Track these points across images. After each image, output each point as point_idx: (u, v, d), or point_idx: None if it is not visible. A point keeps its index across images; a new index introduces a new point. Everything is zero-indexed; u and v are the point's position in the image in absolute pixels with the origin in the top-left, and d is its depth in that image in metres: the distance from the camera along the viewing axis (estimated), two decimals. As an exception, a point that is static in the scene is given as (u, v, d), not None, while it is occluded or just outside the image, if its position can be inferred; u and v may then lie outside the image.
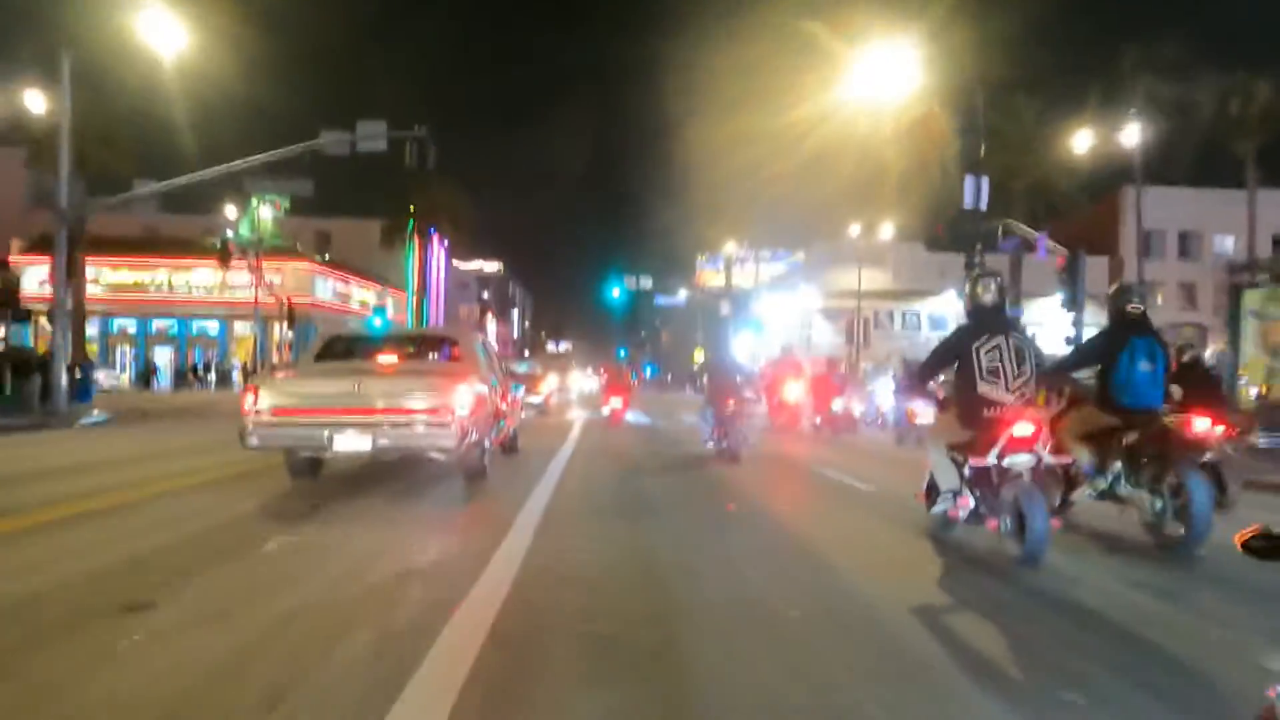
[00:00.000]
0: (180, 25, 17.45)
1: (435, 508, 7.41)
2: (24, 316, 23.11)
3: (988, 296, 5.81)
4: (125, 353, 45.30)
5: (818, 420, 18.36)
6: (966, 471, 5.62)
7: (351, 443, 7.36)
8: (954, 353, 5.77)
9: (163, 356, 45.30)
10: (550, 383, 26.25)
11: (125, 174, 28.07)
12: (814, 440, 16.47)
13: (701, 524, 7.05)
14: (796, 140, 33.94)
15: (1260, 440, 12.57)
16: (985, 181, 18.64)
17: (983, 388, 5.53)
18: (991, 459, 5.37)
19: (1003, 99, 30.48)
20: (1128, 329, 6.27)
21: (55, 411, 17.08)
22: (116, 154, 28.14)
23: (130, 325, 45.23)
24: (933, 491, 5.98)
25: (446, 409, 7.46)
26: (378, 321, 30.70)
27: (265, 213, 37.24)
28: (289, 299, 34.10)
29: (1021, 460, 5.34)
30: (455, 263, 69.56)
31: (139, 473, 9.25)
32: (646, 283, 52.42)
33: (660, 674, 3.32)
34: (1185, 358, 7.80)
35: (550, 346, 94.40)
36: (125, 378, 42.39)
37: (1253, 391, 16.64)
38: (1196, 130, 33.28)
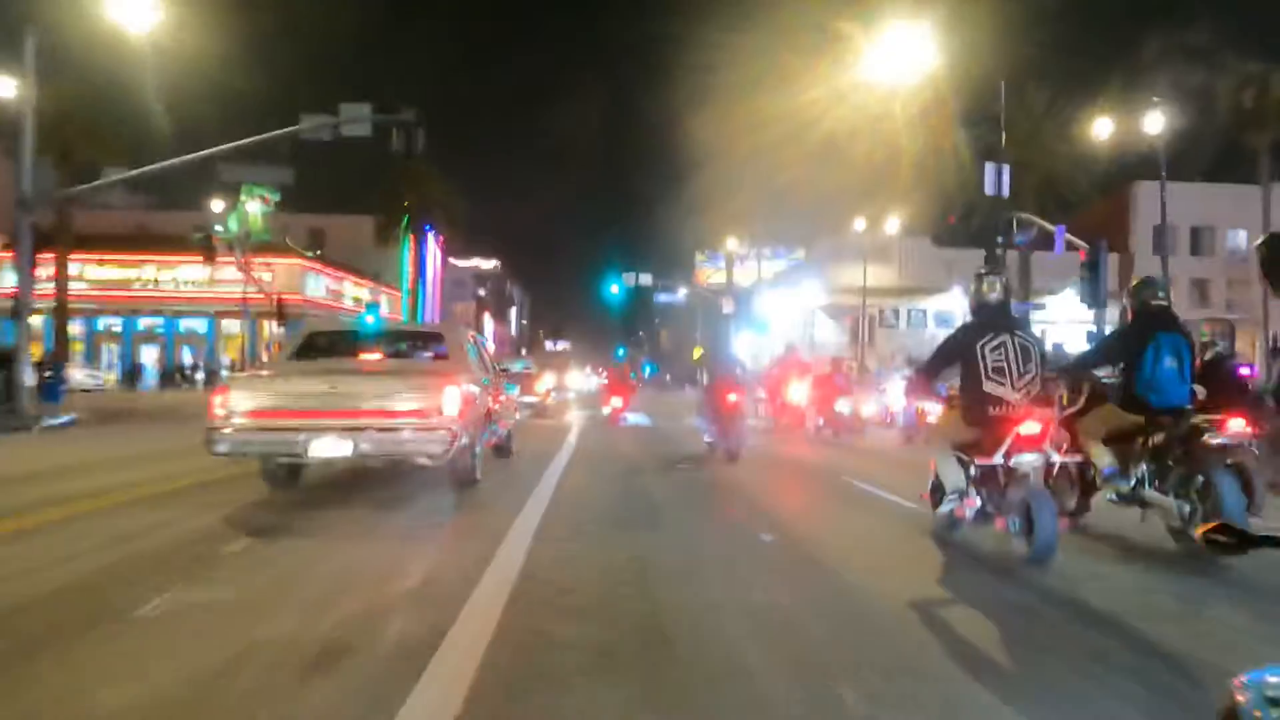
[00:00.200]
0: (157, 6, 16.56)
1: (420, 520, 6.81)
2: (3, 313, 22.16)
3: (993, 294, 5.83)
4: (112, 351, 44.47)
5: (820, 422, 17.71)
6: (972, 471, 5.63)
7: (330, 448, 6.82)
8: (959, 351, 5.77)
9: (150, 355, 44.50)
10: (547, 382, 25.23)
11: (103, 164, 27.05)
12: (829, 445, 15.60)
13: (718, 541, 6.28)
14: (800, 132, 33.20)
15: None
16: (1006, 169, 17.76)
17: (988, 386, 5.54)
18: (999, 458, 5.37)
19: (1011, 89, 29.72)
20: (1152, 324, 6.06)
21: (16, 412, 16.16)
22: (94, 143, 27.15)
23: (116, 324, 44.45)
24: (937, 491, 5.97)
25: (434, 411, 6.98)
26: (370, 319, 29.76)
27: (253, 207, 36.31)
28: (279, 296, 33.26)
29: (1029, 459, 5.32)
30: (452, 260, 68.81)
31: (89, 483, 8.44)
32: (646, 279, 51.61)
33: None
34: (1208, 355, 7.44)
35: (548, 345, 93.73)
36: (111, 377, 41.55)
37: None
38: (1211, 123, 32.70)
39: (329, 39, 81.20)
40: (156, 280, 44.00)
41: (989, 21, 25.24)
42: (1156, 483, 5.81)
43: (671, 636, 3.73)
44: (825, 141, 32.32)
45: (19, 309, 16.75)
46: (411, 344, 9.75)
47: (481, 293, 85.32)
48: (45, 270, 37.78)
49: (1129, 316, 6.33)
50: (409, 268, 52.72)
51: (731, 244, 56.05)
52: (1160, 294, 6.28)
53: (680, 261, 65.51)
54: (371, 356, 8.53)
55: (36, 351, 21.40)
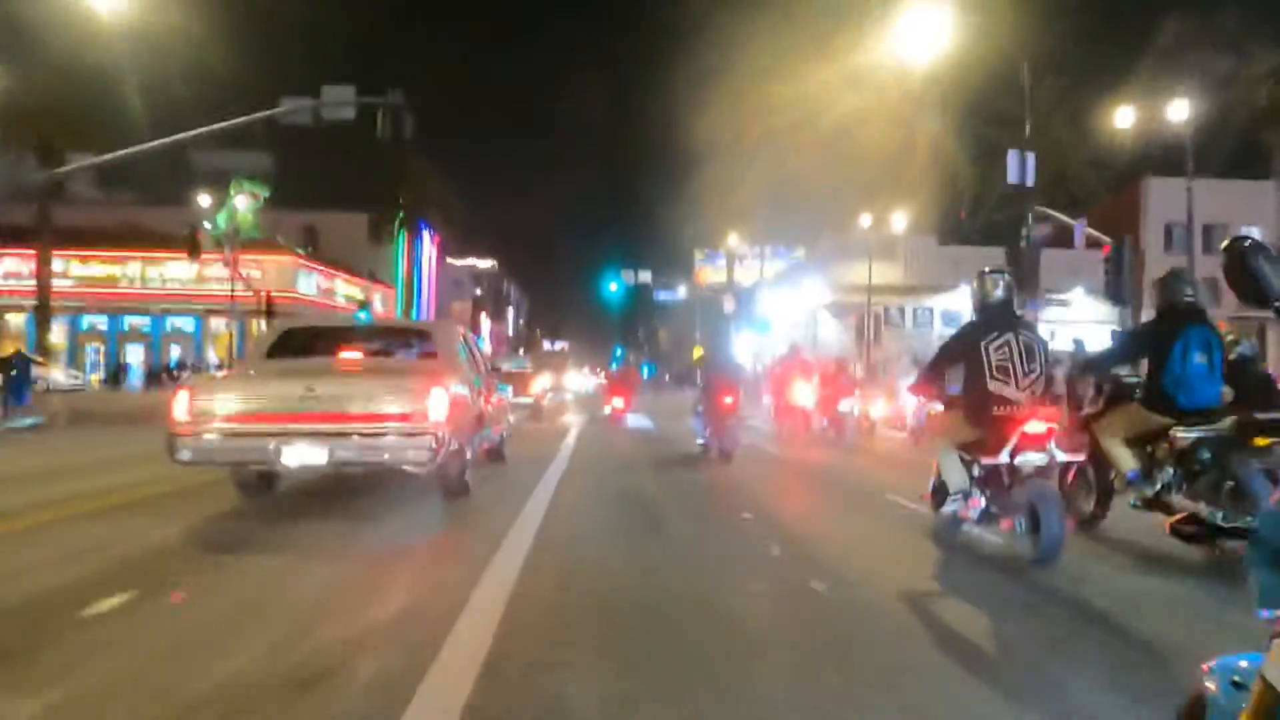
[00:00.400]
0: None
1: (403, 535, 6.28)
2: None
3: (997, 293, 5.80)
4: (97, 350, 43.54)
5: (824, 423, 17.10)
6: (976, 471, 5.58)
7: (304, 456, 6.28)
8: (962, 351, 5.75)
9: (135, 355, 43.57)
10: (543, 382, 24.14)
11: (73, 150, 25.95)
12: (832, 446, 14.82)
13: (730, 555, 5.78)
14: (803, 127, 32.44)
15: None
16: (1031, 157, 16.91)
17: (993, 386, 5.52)
18: (1004, 457, 5.35)
19: (1018, 84, 29.00)
20: (1180, 318, 5.83)
21: (-24, 413, 15.33)
22: (64, 129, 26.01)
23: (101, 322, 43.54)
24: (939, 492, 5.91)
25: (420, 415, 6.40)
26: (362, 317, 28.88)
27: (241, 203, 35.34)
28: (268, 293, 32.32)
29: (1034, 458, 5.33)
30: (449, 259, 68.05)
31: (43, 492, 7.70)
32: (645, 276, 50.92)
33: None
34: (1233, 355, 6.94)
35: (547, 345, 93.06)
36: (95, 378, 40.63)
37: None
38: (1226, 120, 32.11)
39: (329, 39, 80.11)
40: (143, 277, 43.09)
41: (994, 15, 24.46)
42: (1185, 487, 5.51)
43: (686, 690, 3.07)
44: (829, 137, 31.60)
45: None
46: (397, 342, 8.94)
47: (479, 292, 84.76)
48: (27, 266, 37.09)
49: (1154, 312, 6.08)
50: (403, 265, 51.89)
51: (733, 242, 55.33)
52: (1189, 290, 6.02)
53: (680, 261, 65.03)
54: (352, 355, 7.80)
55: (10, 349, 20.38)
